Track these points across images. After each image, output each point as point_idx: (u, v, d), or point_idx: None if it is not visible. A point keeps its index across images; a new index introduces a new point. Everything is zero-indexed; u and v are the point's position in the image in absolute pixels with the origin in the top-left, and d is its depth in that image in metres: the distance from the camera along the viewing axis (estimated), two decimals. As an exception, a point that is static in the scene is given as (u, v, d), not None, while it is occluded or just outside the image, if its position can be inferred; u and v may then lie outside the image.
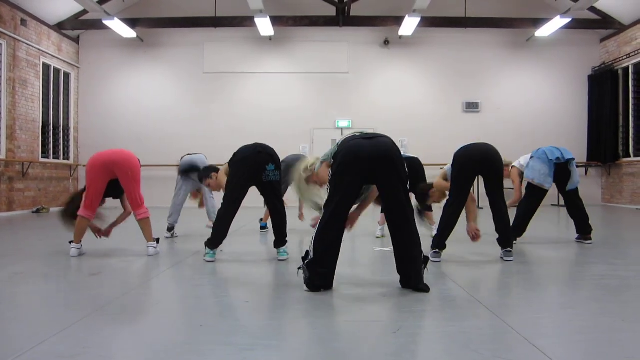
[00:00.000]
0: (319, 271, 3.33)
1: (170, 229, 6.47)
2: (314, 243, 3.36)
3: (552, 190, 5.74)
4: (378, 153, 3.28)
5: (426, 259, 3.44)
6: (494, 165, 4.54)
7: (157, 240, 5.01)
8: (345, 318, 2.86)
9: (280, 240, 4.71)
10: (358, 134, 3.42)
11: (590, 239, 5.64)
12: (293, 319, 2.89)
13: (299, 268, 3.43)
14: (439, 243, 4.52)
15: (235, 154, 4.68)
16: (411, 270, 3.37)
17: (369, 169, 3.30)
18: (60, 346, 2.32)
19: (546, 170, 5.49)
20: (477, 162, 4.54)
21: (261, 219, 7.10)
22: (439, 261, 4.46)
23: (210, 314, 2.94)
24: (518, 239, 5.62)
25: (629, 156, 12.19)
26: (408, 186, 3.40)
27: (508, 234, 4.57)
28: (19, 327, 2.66)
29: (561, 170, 5.54)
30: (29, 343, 2.32)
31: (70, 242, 4.87)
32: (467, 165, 4.55)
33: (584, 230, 5.67)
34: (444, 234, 4.53)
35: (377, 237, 6.00)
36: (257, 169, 4.54)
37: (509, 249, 4.55)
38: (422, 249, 3.46)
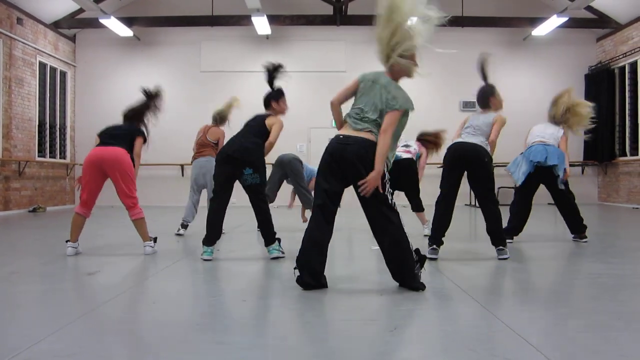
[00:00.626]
0: (306, 266, 3.35)
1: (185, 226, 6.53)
2: (302, 238, 3.41)
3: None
4: (346, 157, 3.29)
5: (423, 258, 3.43)
6: (478, 165, 4.55)
7: (155, 240, 5.00)
8: (342, 317, 2.86)
9: (269, 239, 4.70)
10: (342, 137, 3.39)
11: (586, 237, 5.64)
12: (290, 318, 2.89)
13: (295, 268, 3.43)
14: (435, 239, 4.55)
15: (222, 149, 4.72)
16: (403, 273, 3.37)
17: (342, 171, 3.35)
18: (57, 345, 2.32)
19: (524, 168, 5.51)
20: (463, 160, 4.58)
21: None
22: (436, 258, 4.47)
23: (207, 313, 2.94)
24: (515, 237, 5.63)
25: (625, 155, 12.22)
26: (387, 190, 3.34)
27: (498, 233, 4.57)
28: (15, 327, 2.65)
29: (547, 172, 5.49)
30: (26, 342, 2.32)
31: (67, 241, 4.86)
32: (453, 163, 4.62)
33: (578, 230, 5.66)
34: (438, 229, 4.56)
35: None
36: (234, 172, 4.56)
37: (501, 247, 4.56)
38: (419, 248, 3.47)
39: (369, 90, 3.42)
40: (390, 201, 3.35)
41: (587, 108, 5.76)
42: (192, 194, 6.67)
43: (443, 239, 4.59)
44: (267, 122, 4.69)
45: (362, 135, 3.33)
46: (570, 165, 11.81)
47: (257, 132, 4.66)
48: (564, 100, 5.75)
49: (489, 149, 4.61)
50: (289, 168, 7.09)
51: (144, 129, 5.13)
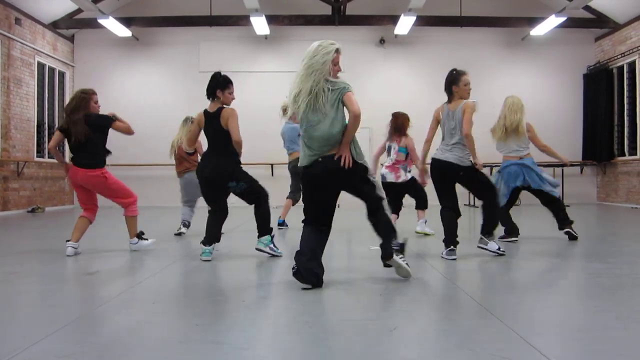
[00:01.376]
0: (305, 262, 3.40)
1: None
2: (300, 243, 3.53)
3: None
4: (329, 173, 3.47)
5: (402, 246, 3.59)
6: (456, 177, 4.68)
7: (140, 235, 5.08)
8: (341, 317, 2.86)
9: (263, 231, 4.74)
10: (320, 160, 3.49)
11: (572, 222, 5.63)
12: (289, 318, 2.89)
13: (293, 267, 3.44)
14: (450, 240, 4.58)
15: (199, 170, 4.74)
16: (387, 242, 3.56)
17: (329, 185, 3.53)
18: (56, 345, 2.31)
19: (504, 191, 5.61)
20: (445, 174, 4.68)
21: (279, 216, 7.18)
22: (455, 259, 4.50)
23: (206, 313, 2.94)
24: (518, 236, 5.65)
25: (624, 155, 12.23)
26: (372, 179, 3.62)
27: (485, 225, 4.71)
28: (14, 327, 2.65)
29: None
30: (25, 342, 2.32)
31: (67, 241, 4.86)
32: (438, 177, 4.72)
33: (565, 222, 5.66)
34: (451, 233, 4.60)
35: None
36: (220, 189, 4.67)
37: (482, 236, 4.70)
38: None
39: (313, 123, 3.48)
40: (376, 187, 3.62)
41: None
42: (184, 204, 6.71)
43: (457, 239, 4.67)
44: (222, 121, 4.62)
45: (331, 152, 3.47)
46: (570, 165, 11.63)
47: (222, 142, 4.62)
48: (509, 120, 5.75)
49: (466, 156, 4.60)
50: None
51: (97, 114, 5.08)
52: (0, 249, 5.69)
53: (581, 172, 13.13)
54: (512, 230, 5.59)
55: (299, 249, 3.50)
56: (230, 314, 2.97)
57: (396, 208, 6.32)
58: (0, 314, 2.92)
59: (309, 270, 3.39)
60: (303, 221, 3.63)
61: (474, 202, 11.84)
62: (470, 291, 3.35)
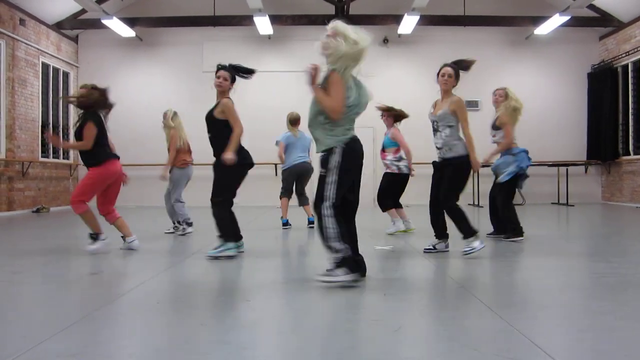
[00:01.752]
0: (349, 253, 3.44)
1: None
2: (340, 237, 3.46)
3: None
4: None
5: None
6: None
7: (93, 236, 5.15)
8: (346, 317, 2.86)
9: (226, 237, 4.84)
10: (357, 137, 3.77)
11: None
12: (293, 318, 2.89)
13: (342, 266, 3.45)
14: (469, 231, 4.60)
15: (247, 160, 4.90)
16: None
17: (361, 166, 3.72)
18: (60, 346, 2.32)
19: (512, 169, 5.60)
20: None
21: (282, 217, 7.19)
22: (484, 246, 4.56)
23: (211, 312, 2.94)
24: (523, 235, 5.64)
25: (629, 154, 12.17)
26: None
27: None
28: (18, 327, 2.66)
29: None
30: (29, 343, 2.32)
31: (93, 236, 4.92)
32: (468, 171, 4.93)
33: (507, 230, 5.69)
34: (466, 223, 4.65)
35: (390, 234, 6.14)
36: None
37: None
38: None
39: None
40: None
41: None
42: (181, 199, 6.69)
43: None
44: None
45: None
46: (574, 165, 11.80)
47: None
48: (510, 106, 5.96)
49: None
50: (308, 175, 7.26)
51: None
52: (5, 249, 5.71)
53: (586, 171, 13.08)
54: (516, 231, 5.57)
55: (344, 239, 3.44)
56: (234, 313, 2.97)
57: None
58: (4, 314, 2.93)
59: (352, 263, 3.46)
60: (334, 206, 3.48)
61: (479, 202, 11.82)
62: (475, 291, 3.34)
